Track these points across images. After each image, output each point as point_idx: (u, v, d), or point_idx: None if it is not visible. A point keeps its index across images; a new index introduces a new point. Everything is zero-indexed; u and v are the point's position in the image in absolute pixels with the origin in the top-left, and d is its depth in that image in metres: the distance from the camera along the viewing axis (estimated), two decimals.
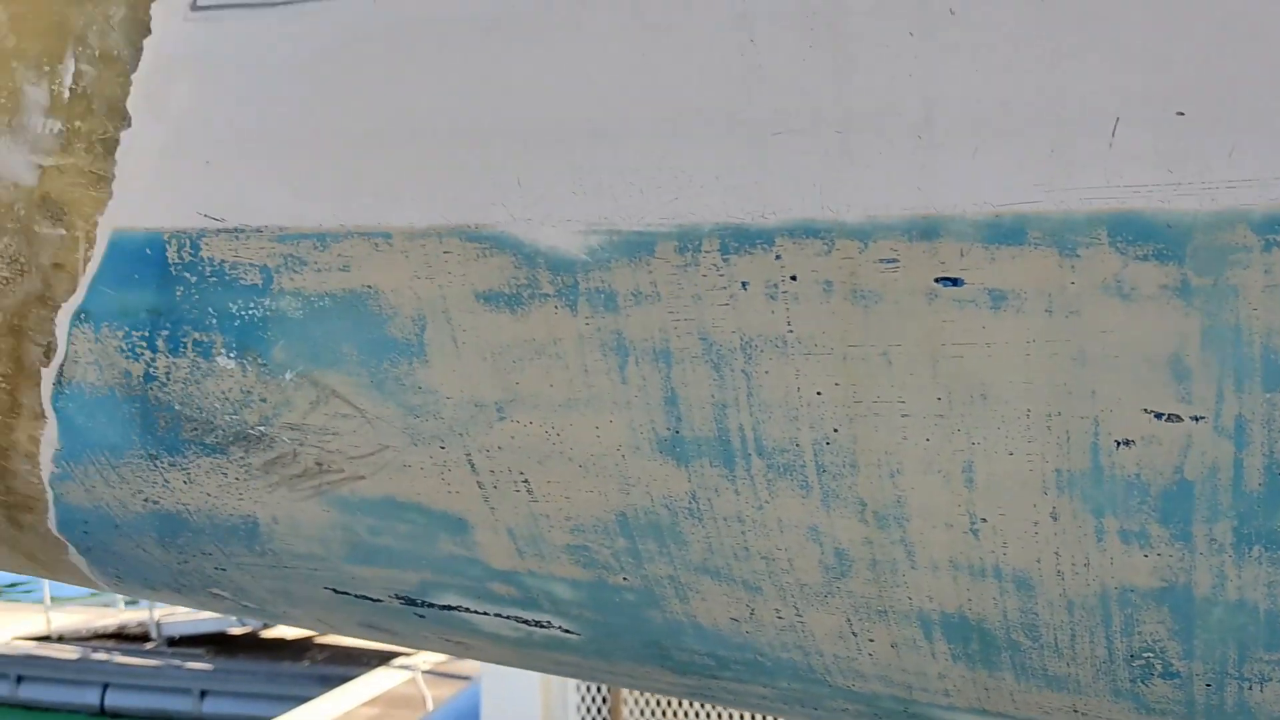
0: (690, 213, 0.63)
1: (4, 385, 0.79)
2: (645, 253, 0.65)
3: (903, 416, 0.65)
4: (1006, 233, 0.59)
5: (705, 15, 0.59)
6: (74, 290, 0.74)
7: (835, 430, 0.67)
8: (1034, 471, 0.65)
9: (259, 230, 0.69)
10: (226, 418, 0.77)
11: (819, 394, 0.66)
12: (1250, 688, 0.68)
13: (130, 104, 0.68)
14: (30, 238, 0.73)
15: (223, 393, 0.75)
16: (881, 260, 0.62)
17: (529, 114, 0.64)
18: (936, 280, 0.61)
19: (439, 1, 0.62)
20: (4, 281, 0.75)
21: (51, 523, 0.89)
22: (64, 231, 0.72)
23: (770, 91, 0.60)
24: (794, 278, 0.63)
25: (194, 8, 0.65)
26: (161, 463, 0.80)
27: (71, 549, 0.92)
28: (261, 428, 0.77)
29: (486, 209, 0.66)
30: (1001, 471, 0.65)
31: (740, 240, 0.63)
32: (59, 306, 0.75)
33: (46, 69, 0.68)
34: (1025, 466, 0.65)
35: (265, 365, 0.74)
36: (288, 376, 0.74)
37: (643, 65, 0.61)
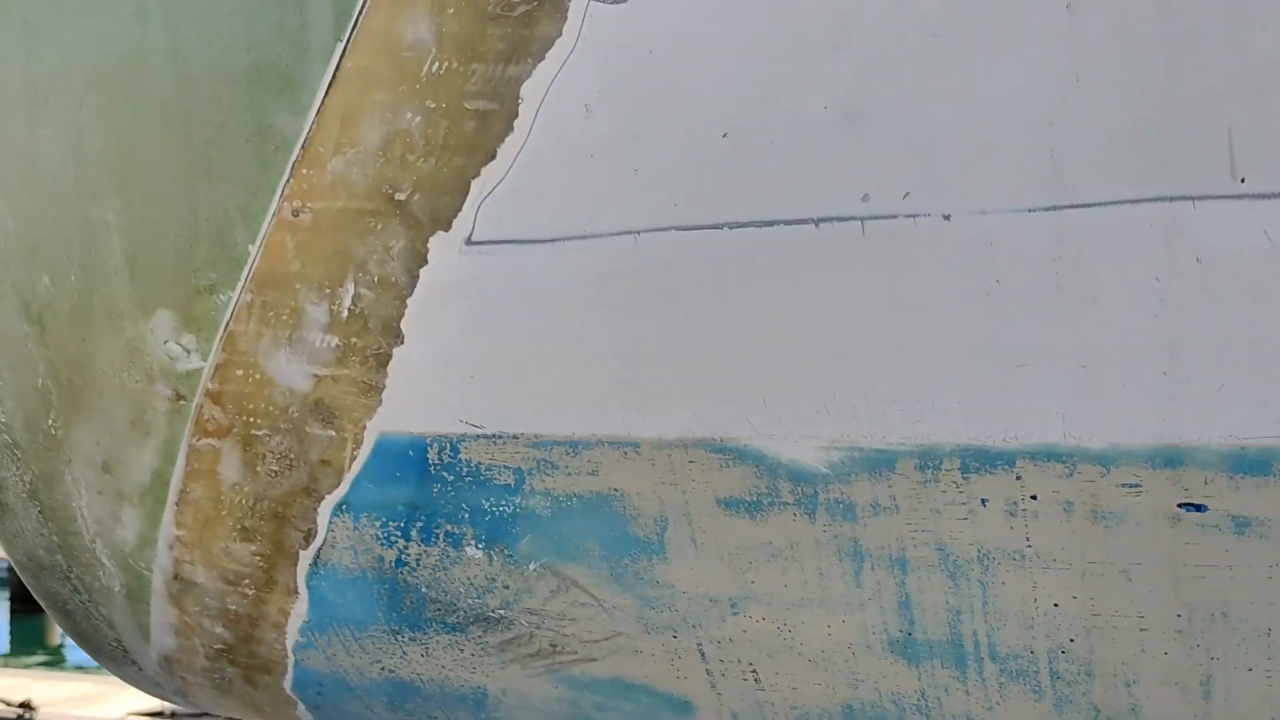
0: (932, 434, 0.67)
1: (262, 564, 0.86)
2: (886, 469, 0.68)
3: (1141, 630, 0.67)
4: (1252, 464, 0.62)
5: (954, 257, 0.64)
6: (338, 484, 0.80)
7: (1071, 640, 0.69)
8: (1273, 687, 0.66)
9: (515, 437, 0.75)
10: (470, 601, 0.82)
11: (1056, 605, 0.68)
12: None
13: (404, 324, 0.74)
14: (301, 437, 0.80)
15: (468, 579, 0.81)
16: (1124, 485, 0.64)
17: (776, 341, 0.68)
18: (1180, 505, 0.64)
19: (692, 243, 0.68)
20: (273, 474, 0.82)
21: (287, 684, 0.95)
22: (333, 433, 0.78)
23: (1015, 327, 0.64)
24: (1034, 497, 0.66)
25: (469, 242, 0.71)
26: (402, 637, 0.86)
27: (301, 706, 0.98)
28: (502, 611, 0.82)
29: (732, 424, 0.71)
30: (1240, 686, 0.67)
31: (981, 461, 0.66)
32: (323, 498, 0.81)
33: (328, 291, 0.75)
34: (1264, 682, 0.66)
35: (511, 556, 0.79)
36: (531, 567, 0.79)
37: (890, 299, 0.65)
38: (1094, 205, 0.61)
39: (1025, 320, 0.64)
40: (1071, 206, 0.62)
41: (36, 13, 0.79)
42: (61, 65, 0.79)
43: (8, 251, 0.84)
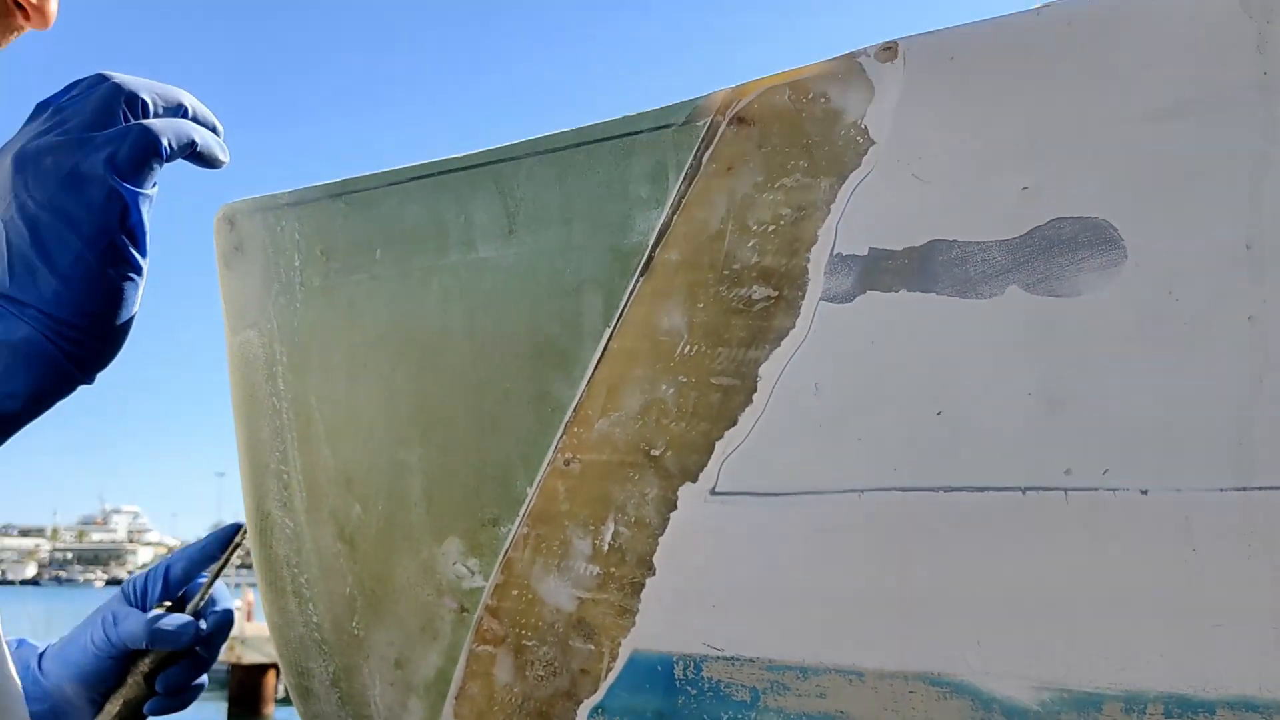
0: (1136, 681, 0.74)
1: None
2: (1094, 709, 0.76)
3: None
4: None
5: (1151, 527, 0.72)
6: (595, 691, 0.92)
7: None
8: None
9: (752, 660, 0.86)
10: None
11: None
12: None
13: (655, 559, 0.87)
14: (565, 649, 0.93)
15: None
16: None
17: (988, 591, 0.77)
18: None
19: (910, 502, 0.78)
20: (539, 678, 0.95)
21: None
22: (593, 647, 0.91)
23: (1211, 590, 0.71)
24: None
25: (712, 493, 0.83)
26: None
27: None
28: None
29: (949, 661, 0.79)
30: None
31: (1183, 707, 0.73)
32: (581, 701, 0.93)
33: (591, 528, 0.89)
34: None
35: None
36: None
37: (1093, 560, 0.74)
38: None
39: (1220, 585, 0.71)
40: (1260, 488, 0.69)
41: (359, 296, 0.97)
42: (378, 338, 0.97)
43: (327, 484, 1.02)
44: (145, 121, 0.81)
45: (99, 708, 1.14)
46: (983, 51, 0.74)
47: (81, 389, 0.84)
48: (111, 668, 1.13)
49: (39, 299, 0.76)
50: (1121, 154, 0.71)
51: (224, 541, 1.20)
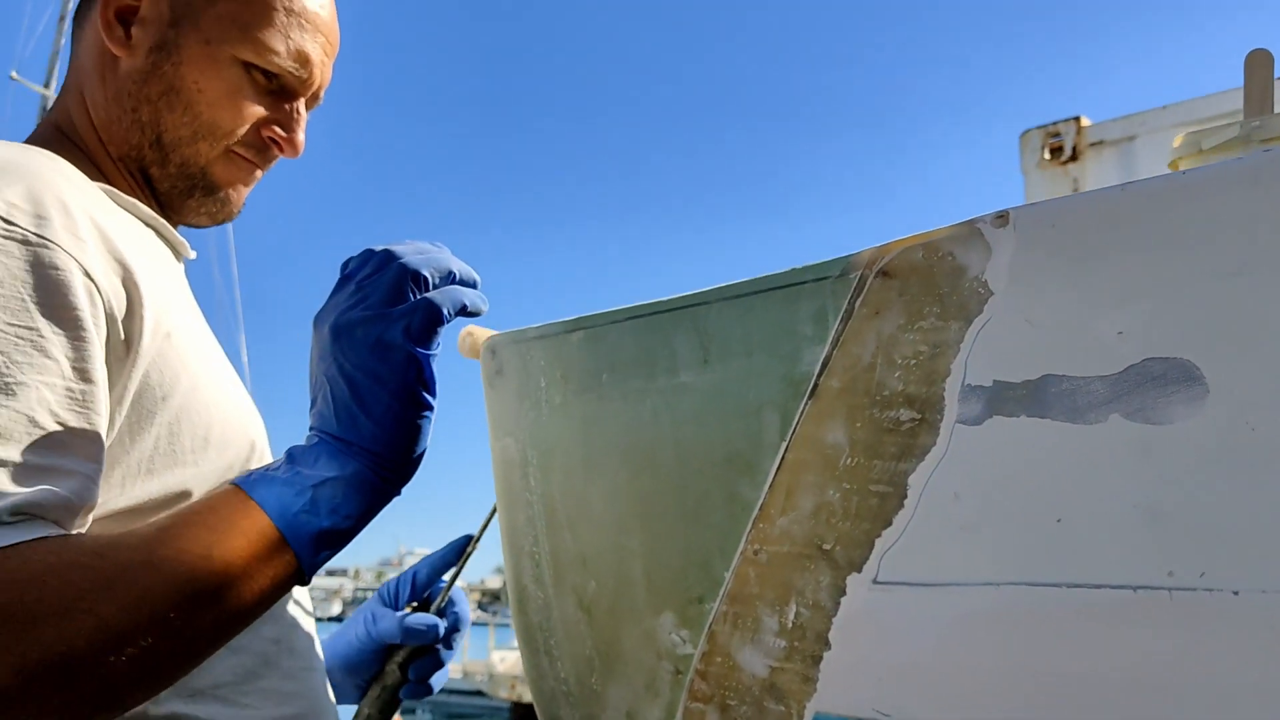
0: None
1: None
2: None
3: None
4: None
5: (1243, 623, 0.83)
6: None
7: None
8: None
9: None
10: None
11: None
12: None
13: (830, 635, 1.03)
14: (760, 709, 1.11)
15: None
16: None
17: (1106, 675, 0.90)
18: None
19: (1038, 594, 0.91)
20: None
21: None
22: (783, 708, 1.09)
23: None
24: None
25: (874, 582, 1.00)
26: None
27: None
28: None
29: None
30: None
31: None
32: None
33: (778, 608, 1.07)
34: None
35: None
36: None
37: (1195, 651, 0.85)
38: None
39: None
40: None
41: (590, 412, 1.20)
42: (604, 445, 1.20)
43: (568, 563, 1.25)
44: (429, 295, 1.07)
45: (363, 692, 1.42)
46: (1079, 220, 0.88)
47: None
48: (371, 659, 1.42)
49: (360, 438, 1.03)
50: (1198, 306, 0.83)
51: (459, 550, 1.47)
